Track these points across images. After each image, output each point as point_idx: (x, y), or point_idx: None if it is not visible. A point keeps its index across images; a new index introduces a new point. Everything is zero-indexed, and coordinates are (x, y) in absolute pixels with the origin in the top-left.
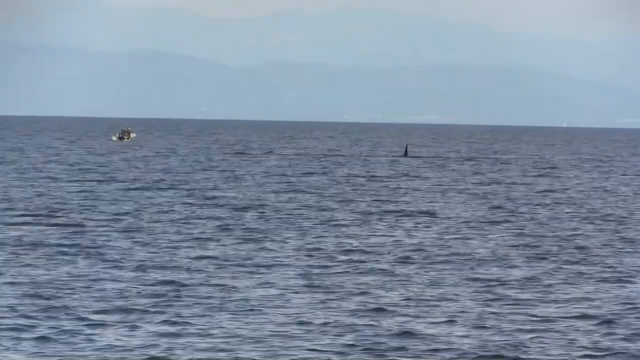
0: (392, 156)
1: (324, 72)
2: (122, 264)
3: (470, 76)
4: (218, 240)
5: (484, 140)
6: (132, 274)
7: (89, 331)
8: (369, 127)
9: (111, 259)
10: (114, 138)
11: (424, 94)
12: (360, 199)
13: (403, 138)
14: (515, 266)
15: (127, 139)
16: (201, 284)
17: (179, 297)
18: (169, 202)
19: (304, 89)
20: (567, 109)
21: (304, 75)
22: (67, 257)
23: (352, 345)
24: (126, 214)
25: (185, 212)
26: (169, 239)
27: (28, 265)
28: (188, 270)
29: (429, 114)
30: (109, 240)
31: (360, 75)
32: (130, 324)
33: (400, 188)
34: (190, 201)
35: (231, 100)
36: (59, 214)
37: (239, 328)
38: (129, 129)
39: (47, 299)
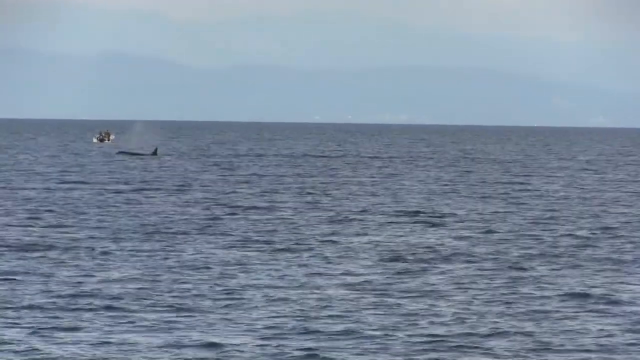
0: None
1: (292, 74)
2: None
3: (440, 77)
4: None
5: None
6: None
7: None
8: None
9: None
10: (95, 140)
11: (395, 95)
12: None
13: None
14: None
15: (108, 140)
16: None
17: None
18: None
19: (273, 91)
20: (539, 109)
21: (272, 77)
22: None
23: None
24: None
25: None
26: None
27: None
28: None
29: (400, 114)
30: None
31: (329, 76)
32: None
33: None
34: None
35: (200, 103)
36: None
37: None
38: (108, 130)
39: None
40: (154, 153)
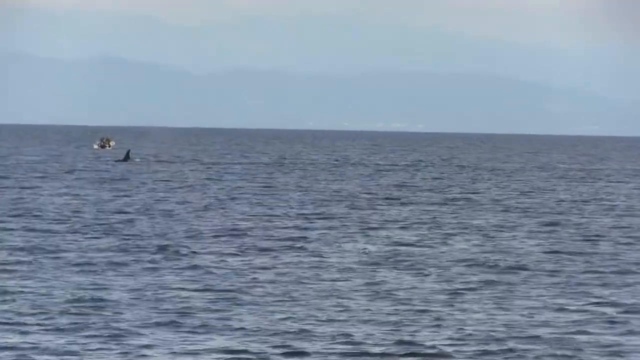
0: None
1: (286, 80)
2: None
3: (436, 83)
4: None
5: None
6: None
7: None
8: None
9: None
10: (95, 146)
11: (391, 102)
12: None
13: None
14: None
15: (108, 146)
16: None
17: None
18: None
19: (266, 97)
20: (533, 116)
21: (266, 82)
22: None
23: None
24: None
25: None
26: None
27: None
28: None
29: (396, 122)
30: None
31: (324, 82)
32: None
33: None
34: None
35: (194, 108)
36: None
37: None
38: (108, 137)
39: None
40: (127, 156)
